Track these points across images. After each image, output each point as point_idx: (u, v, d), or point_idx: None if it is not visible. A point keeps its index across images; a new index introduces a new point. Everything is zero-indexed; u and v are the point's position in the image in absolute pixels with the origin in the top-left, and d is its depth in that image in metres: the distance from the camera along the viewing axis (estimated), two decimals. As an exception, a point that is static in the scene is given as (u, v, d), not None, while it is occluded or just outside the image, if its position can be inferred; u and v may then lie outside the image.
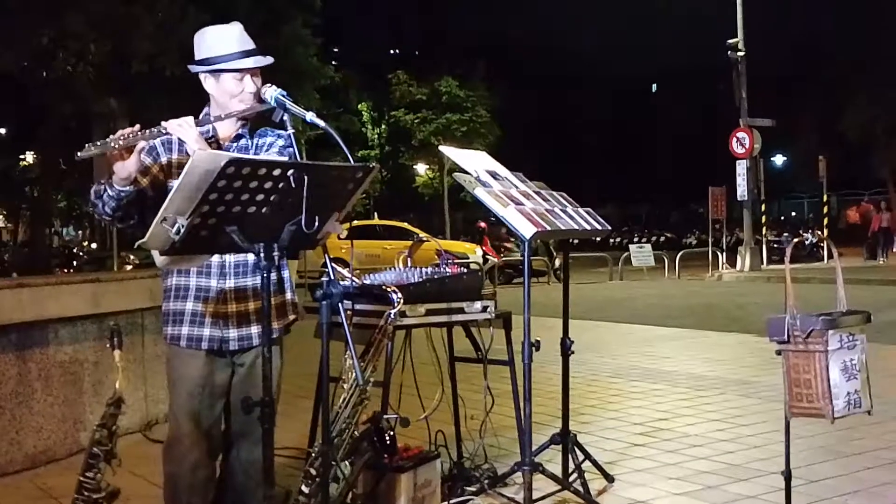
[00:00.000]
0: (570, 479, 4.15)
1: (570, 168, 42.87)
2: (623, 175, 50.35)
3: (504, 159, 4.36)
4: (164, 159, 3.14)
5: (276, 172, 2.63)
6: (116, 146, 2.85)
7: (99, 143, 2.86)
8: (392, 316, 3.63)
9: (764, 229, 24.86)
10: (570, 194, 4.34)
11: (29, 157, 34.69)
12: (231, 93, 3.13)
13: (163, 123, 2.98)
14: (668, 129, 50.06)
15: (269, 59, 3.22)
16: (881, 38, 29.76)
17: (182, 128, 2.99)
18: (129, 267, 22.59)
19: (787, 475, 2.92)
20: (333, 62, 30.08)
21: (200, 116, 3.11)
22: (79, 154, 2.87)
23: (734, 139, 22.90)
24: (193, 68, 3.19)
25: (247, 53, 3.14)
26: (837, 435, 5.05)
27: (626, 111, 52.46)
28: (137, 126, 2.93)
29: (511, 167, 4.27)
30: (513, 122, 41.85)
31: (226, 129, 3.18)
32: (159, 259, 3.04)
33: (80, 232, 50.06)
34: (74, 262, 30.93)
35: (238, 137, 3.19)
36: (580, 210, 4.23)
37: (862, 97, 32.07)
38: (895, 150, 34.94)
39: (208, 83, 3.17)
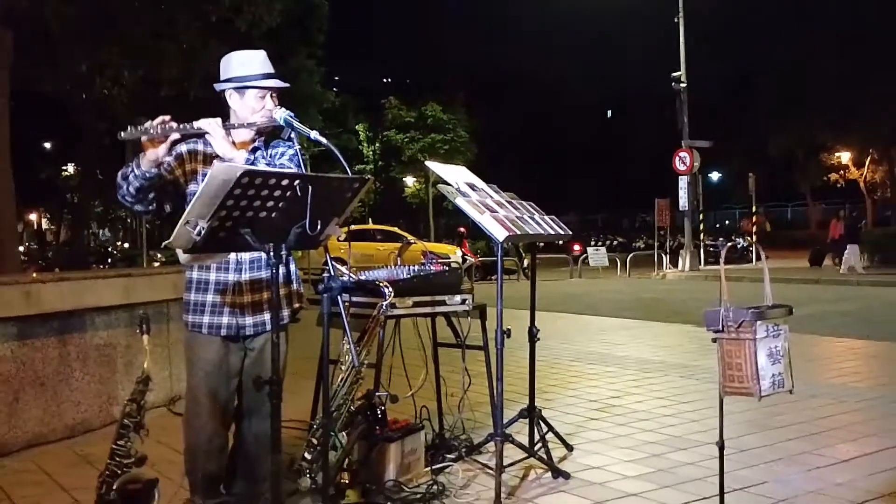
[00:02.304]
0: (536, 447, 4.16)
1: (538, 181, 42.82)
2: (583, 187, 50.47)
3: (480, 173, 4.36)
4: (187, 165, 3.15)
5: (284, 182, 2.62)
6: (155, 133, 2.88)
7: (140, 129, 2.90)
8: (384, 307, 3.63)
9: (702, 235, 24.99)
10: (538, 203, 4.34)
11: (70, 168, 34.52)
12: (253, 108, 3.15)
13: (197, 123, 3.00)
14: (621, 149, 50.25)
15: (287, 84, 3.24)
16: (802, 77, 30.02)
17: (211, 125, 3.01)
18: (156, 264, 22.52)
19: (721, 445, 2.94)
20: (334, 89, 30.11)
21: (225, 124, 3.11)
22: (122, 134, 2.90)
23: (677, 158, 23.03)
24: (220, 86, 3.19)
25: (268, 76, 3.17)
26: (764, 411, 5.07)
27: (586, 133, 52.62)
28: (169, 118, 2.95)
29: (487, 180, 4.27)
30: (488, 141, 41.89)
31: (241, 137, 3.17)
32: (183, 257, 3.02)
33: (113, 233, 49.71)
34: (109, 260, 30.82)
35: (255, 149, 3.19)
36: (545, 217, 4.24)
37: (785, 125, 32.32)
38: (812, 169, 35.30)
39: (233, 99, 3.18)
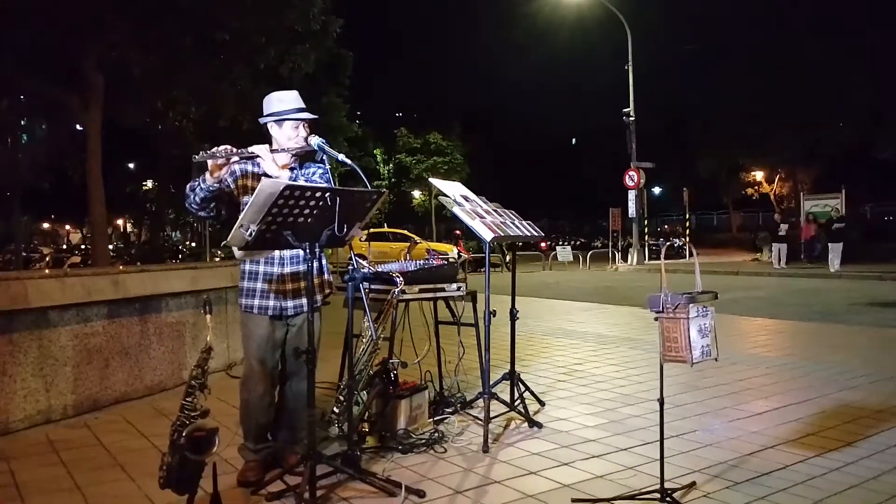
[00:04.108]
0: (516, 403, 4.17)
1: (517, 193, 42.60)
2: (553, 198, 50.38)
3: (472, 187, 4.36)
4: (240, 181, 3.17)
5: (318, 195, 2.63)
6: (220, 156, 2.96)
7: (208, 153, 2.97)
8: (396, 293, 3.63)
9: (646, 237, 24.94)
10: (518, 211, 4.34)
11: (149, 183, 34.49)
12: (289, 136, 3.18)
13: (250, 148, 3.08)
14: (583, 168, 50.13)
15: (315, 116, 3.27)
16: (725, 113, 30.02)
17: (262, 150, 3.09)
18: (217, 259, 22.47)
19: (661, 401, 2.94)
20: (357, 121, 29.94)
21: (270, 150, 3.16)
22: (195, 157, 3.01)
23: (627, 176, 22.99)
24: (263, 119, 3.22)
25: (301, 110, 3.20)
26: (695, 374, 5.08)
27: (556, 156, 52.50)
28: (233, 147, 3.05)
29: (477, 193, 4.27)
30: (479, 161, 41.71)
31: (282, 160, 3.19)
32: (238, 253, 3.04)
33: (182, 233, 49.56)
34: (179, 256, 30.77)
35: (291, 168, 3.21)
36: (524, 222, 4.24)
37: (712, 150, 32.33)
38: (733, 185, 35.33)
39: (273, 129, 3.21)
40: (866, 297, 11.69)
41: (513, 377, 4.24)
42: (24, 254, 21.86)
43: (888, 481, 3.10)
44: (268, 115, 3.19)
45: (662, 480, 2.89)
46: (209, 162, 2.97)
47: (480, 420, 3.84)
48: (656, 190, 44.35)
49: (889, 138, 25.06)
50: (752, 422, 4.05)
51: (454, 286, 4.10)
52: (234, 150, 3.00)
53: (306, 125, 3.21)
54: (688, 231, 26.94)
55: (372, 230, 23.89)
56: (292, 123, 3.17)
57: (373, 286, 3.81)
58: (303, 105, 3.21)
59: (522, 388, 4.24)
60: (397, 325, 3.95)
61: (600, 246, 32.71)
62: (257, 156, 3.09)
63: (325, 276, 3.27)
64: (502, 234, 3.81)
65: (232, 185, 3.15)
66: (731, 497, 2.93)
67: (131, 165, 31.68)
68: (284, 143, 3.17)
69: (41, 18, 11.09)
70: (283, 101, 3.19)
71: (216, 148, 2.98)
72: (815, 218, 20.57)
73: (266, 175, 3.10)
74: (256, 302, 3.15)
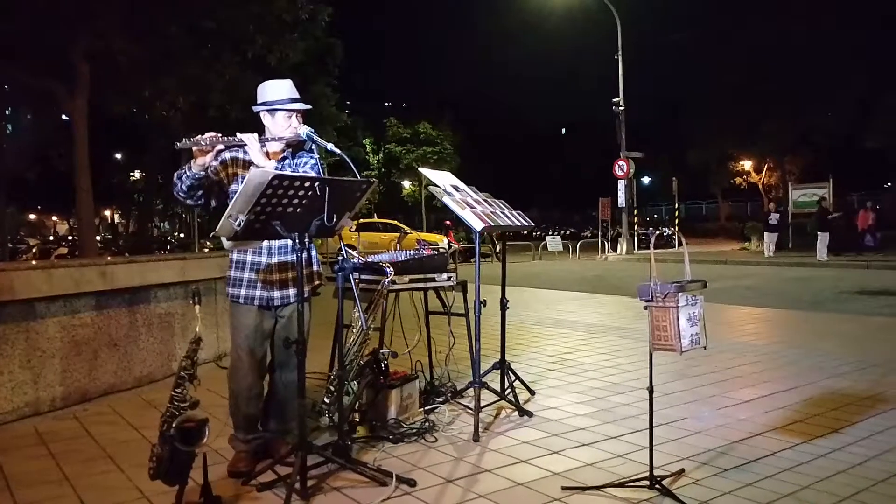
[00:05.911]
0: (506, 392, 4.18)
1: (508, 183, 42.55)
2: (543, 188, 50.40)
3: (462, 177, 4.35)
4: (230, 169, 3.15)
5: (307, 184, 2.62)
6: (203, 144, 2.92)
7: (192, 140, 2.94)
8: (386, 283, 3.62)
9: (635, 226, 25.02)
10: (508, 201, 4.34)
11: (136, 174, 34.26)
12: (282, 126, 3.15)
13: (238, 135, 3.03)
14: (572, 158, 50.14)
15: (309, 107, 3.24)
16: (714, 103, 30.10)
17: (249, 139, 3.05)
18: (206, 249, 22.36)
19: (650, 390, 2.95)
20: (346, 111, 29.72)
21: (260, 138, 3.13)
22: (177, 144, 2.98)
23: (616, 165, 23.02)
24: (256, 108, 3.20)
25: (294, 100, 3.17)
26: (684, 363, 5.11)
27: (546, 146, 52.48)
28: (219, 134, 3.00)
29: (467, 183, 4.26)
30: (469, 151, 41.63)
31: (273, 149, 3.17)
32: (227, 243, 3.03)
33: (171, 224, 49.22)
34: (168, 246, 30.61)
35: (283, 158, 3.19)
36: (514, 212, 4.23)
37: (701, 140, 32.43)
38: (722, 174, 35.46)
39: (266, 119, 3.19)
40: (854, 286, 11.79)
41: (503, 366, 4.25)
42: (10, 245, 21.68)
43: (874, 467, 3.13)
44: (260, 105, 3.17)
45: (652, 468, 2.91)
46: (194, 149, 2.95)
47: (471, 409, 3.85)
48: (646, 179, 44.45)
49: (876, 127, 25.23)
50: (740, 409, 4.08)
51: (444, 276, 4.10)
52: (220, 137, 2.97)
53: (299, 115, 3.18)
54: (677, 220, 27.04)
55: (362, 220, 23.83)
56: (285, 113, 3.14)
57: (363, 276, 3.80)
58: (296, 95, 3.18)
59: (512, 378, 4.25)
60: (387, 315, 3.94)
61: (590, 235, 32.77)
62: (244, 144, 3.06)
63: (315, 268, 3.26)
64: (492, 224, 3.81)
65: (222, 173, 3.12)
66: (719, 484, 2.96)
67: (118, 156, 31.43)
68: (277, 132, 3.15)
69: (27, 6, 10.94)
70: (276, 90, 3.16)
71: (201, 135, 2.95)
72: (870, 206, 20.14)
73: (252, 164, 3.08)
74: (243, 292, 3.13)
